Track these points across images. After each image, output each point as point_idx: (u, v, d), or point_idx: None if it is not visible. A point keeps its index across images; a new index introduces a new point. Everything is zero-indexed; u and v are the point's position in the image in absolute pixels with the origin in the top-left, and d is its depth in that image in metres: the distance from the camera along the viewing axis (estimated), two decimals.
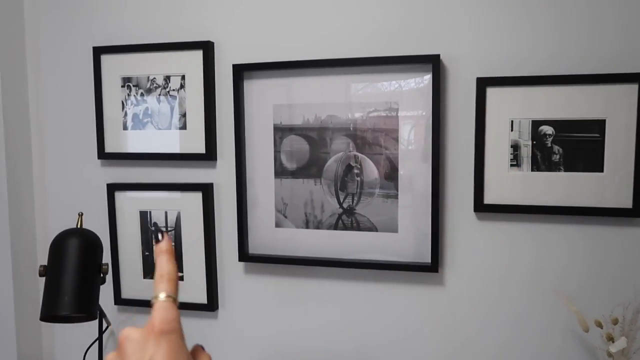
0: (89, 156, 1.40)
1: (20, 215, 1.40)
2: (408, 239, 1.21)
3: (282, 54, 1.24)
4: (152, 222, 1.36)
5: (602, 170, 1.10)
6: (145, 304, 1.37)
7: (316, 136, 1.24)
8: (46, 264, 1.02)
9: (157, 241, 0.47)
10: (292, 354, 1.31)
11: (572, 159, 1.11)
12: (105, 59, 1.35)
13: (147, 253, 1.37)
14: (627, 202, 1.09)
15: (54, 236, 1.09)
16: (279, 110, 1.26)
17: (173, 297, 0.44)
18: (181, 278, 1.35)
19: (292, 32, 1.24)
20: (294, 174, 1.26)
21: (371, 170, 1.22)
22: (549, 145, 1.12)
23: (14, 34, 1.39)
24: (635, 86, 1.06)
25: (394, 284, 1.23)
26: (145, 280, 1.38)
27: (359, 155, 1.22)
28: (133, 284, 1.38)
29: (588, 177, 1.10)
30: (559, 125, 1.11)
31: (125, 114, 1.35)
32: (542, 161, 1.12)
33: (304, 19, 1.23)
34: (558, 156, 1.12)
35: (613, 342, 0.96)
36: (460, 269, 1.19)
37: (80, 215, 1.11)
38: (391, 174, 1.21)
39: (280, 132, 1.26)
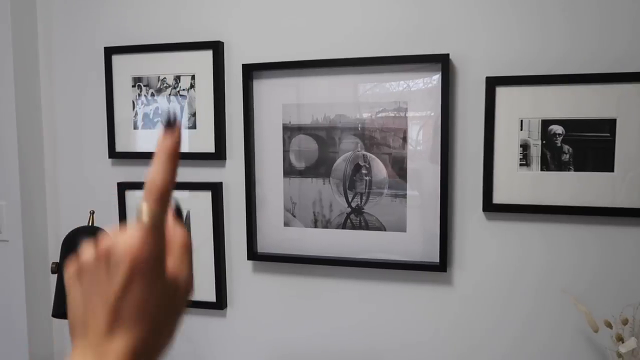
0: (100, 155, 1.41)
1: (32, 213, 1.42)
2: (417, 239, 1.21)
3: (291, 53, 1.25)
4: None
5: (612, 170, 1.09)
6: None
7: (325, 136, 1.25)
8: (58, 261, 1.03)
9: (167, 125, 0.37)
10: (299, 353, 1.31)
11: (582, 158, 1.10)
12: (117, 59, 1.37)
13: None
14: (638, 202, 1.08)
15: (65, 234, 1.10)
16: (288, 110, 1.26)
17: (155, 215, 0.36)
18: None
19: (301, 32, 1.25)
20: (303, 174, 1.27)
21: (380, 170, 1.22)
22: (559, 144, 1.11)
23: (27, 35, 1.41)
24: None
25: (403, 283, 1.23)
26: None
27: (368, 154, 1.22)
28: None
29: (598, 176, 1.10)
30: (569, 124, 1.10)
31: (136, 114, 1.37)
32: (551, 161, 1.12)
33: (313, 20, 1.24)
34: (568, 156, 1.11)
35: (623, 342, 0.95)
36: (469, 269, 1.19)
37: (92, 213, 1.12)
38: (400, 174, 1.21)
39: (289, 131, 1.27)
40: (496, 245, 1.17)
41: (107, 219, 1.37)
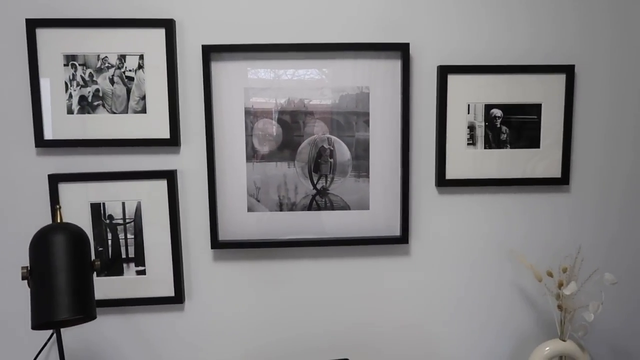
0: (24, 144, 1.22)
1: None
2: (379, 215, 1.29)
3: (253, 35, 1.23)
4: (107, 214, 1.25)
5: (539, 147, 1.30)
6: (104, 304, 1.26)
7: (289, 119, 1.26)
8: (28, 265, 0.89)
9: None
10: (270, 343, 1.32)
11: (516, 137, 1.29)
12: (42, 33, 1.19)
13: (100, 249, 1.25)
14: (556, 172, 1.31)
15: None
16: (251, 94, 1.24)
17: None
18: (143, 272, 1.27)
19: (265, 11, 1.23)
20: (267, 158, 1.26)
21: (343, 152, 1.27)
22: (499, 126, 1.29)
23: None
24: (564, 76, 1.28)
25: (368, 258, 1.31)
26: (98, 278, 1.26)
27: (332, 137, 1.27)
28: None
29: (528, 152, 1.30)
30: (506, 108, 1.28)
31: (70, 96, 1.21)
32: (493, 140, 1.29)
33: (277, 2, 1.23)
34: (505, 135, 1.29)
35: (565, 287, 1.16)
36: (424, 239, 1.32)
37: (58, 208, 0.98)
38: (362, 155, 1.28)
39: (252, 115, 1.25)
40: (447, 216, 1.31)
41: (37, 217, 1.21)
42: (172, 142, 1.23)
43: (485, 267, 1.33)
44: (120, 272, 1.27)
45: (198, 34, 1.23)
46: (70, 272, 0.89)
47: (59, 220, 0.97)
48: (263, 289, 1.31)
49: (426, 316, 1.34)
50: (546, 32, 1.27)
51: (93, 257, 0.97)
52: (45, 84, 1.20)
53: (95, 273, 0.98)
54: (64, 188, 1.23)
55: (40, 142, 1.22)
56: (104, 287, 1.27)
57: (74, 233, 0.94)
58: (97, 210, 1.24)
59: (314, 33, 1.24)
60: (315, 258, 1.31)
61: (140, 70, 1.21)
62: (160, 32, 1.20)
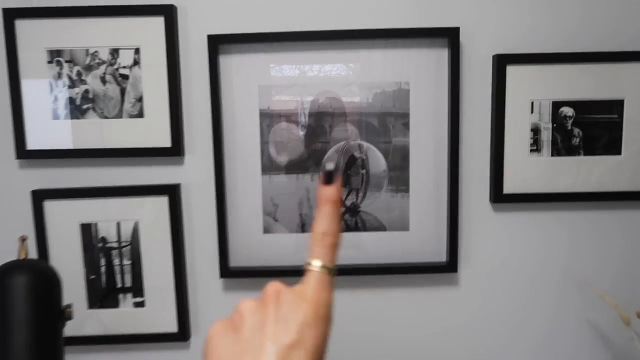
0: (4, 156, 1.05)
1: None
2: (421, 237, 1.07)
3: (268, 23, 1.02)
4: (100, 236, 1.06)
5: (620, 153, 1.05)
6: (95, 341, 1.07)
7: (313, 123, 1.05)
8: None
9: (325, 180, 0.37)
10: None
11: (591, 141, 1.05)
12: (22, 25, 1.01)
13: (92, 277, 1.07)
14: None
15: None
16: (266, 93, 1.04)
17: (329, 269, 0.37)
18: (142, 304, 1.08)
19: None
20: (286, 169, 1.06)
21: (378, 162, 1.06)
22: (569, 127, 1.05)
23: None
24: None
25: (405, 288, 1.09)
26: (90, 311, 1.08)
27: (364, 144, 1.05)
28: (75, 317, 1.07)
29: (606, 160, 1.05)
30: (579, 106, 1.04)
31: (55, 99, 1.03)
32: (562, 145, 1.05)
33: None
34: (578, 139, 1.05)
35: None
36: (478, 267, 1.09)
37: (23, 240, 0.79)
38: (401, 165, 1.06)
39: (268, 119, 1.04)
40: (507, 238, 1.08)
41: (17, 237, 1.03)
42: (174, 151, 1.04)
43: (550, 301, 1.09)
44: (115, 304, 1.08)
45: (204, 23, 1.03)
46: (32, 326, 0.70)
47: (22, 256, 0.78)
48: None
49: (477, 359, 1.11)
50: (631, 11, 1.02)
51: (64, 303, 0.78)
52: (26, 85, 1.03)
53: (66, 323, 0.78)
54: (49, 206, 1.05)
55: (22, 153, 1.04)
56: (95, 321, 1.08)
57: (40, 273, 0.75)
58: (88, 232, 1.06)
59: (344, 19, 1.03)
60: (343, 288, 1.09)
61: (136, 66, 1.02)
62: (159, 21, 1.01)
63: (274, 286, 0.36)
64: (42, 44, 1.02)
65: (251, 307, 0.35)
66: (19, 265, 0.75)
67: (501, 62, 1.02)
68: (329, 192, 0.37)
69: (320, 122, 1.04)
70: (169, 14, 1.01)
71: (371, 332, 1.10)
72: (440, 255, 1.07)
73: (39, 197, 1.05)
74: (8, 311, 0.69)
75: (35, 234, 1.05)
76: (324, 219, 0.37)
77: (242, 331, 0.34)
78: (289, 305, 0.34)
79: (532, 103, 1.04)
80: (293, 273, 1.05)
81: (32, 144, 1.04)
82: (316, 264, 0.36)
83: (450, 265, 1.06)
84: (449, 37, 1.01)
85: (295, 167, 1.06)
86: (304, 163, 1.05)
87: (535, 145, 1.05)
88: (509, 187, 1.06)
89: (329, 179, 0.37)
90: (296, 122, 1.04)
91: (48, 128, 1.04)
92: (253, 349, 0.32)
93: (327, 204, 0.37)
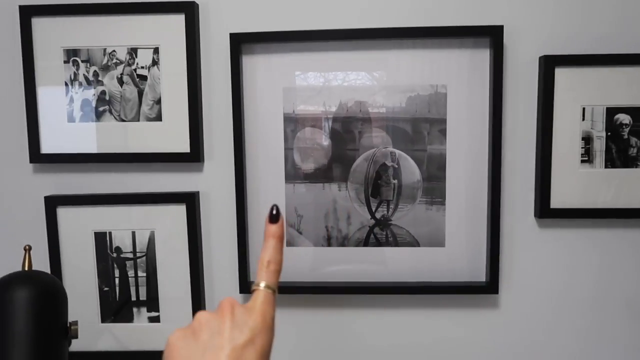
0: (17, 160, 1.01)
1: None
2: (458, 254, 0.98)
3: (294, 21, 0.96)
4: (114, 246, 1.01)
5: None
6: (108, 357, 1.01)
7: (340, 128, 0.97)
8: None
9: (271, 219, 0.45)
10: None
11: None
12: (39, 23, 0.97)
13: (106, 289, 1.01)
14: None
15: None
16: (291, 96, 0.97)
17: (272, 289, 0.44)
18: (157, 318, 1.02)
19: None
20: (312, 178, 0.98)
21: (411, 171, 0.97)
22: (626, 137, 0.95)
23: None
24: None
25: (442, 310, 1.00)
26: (103, 325, 1.02)
27: (397, 152, 0.97)
28: (87, 331, 1.01)
29: None
30: (636, 113, 0.94)
31: (71, 100, 0.98)
32: (617, 156, 0.95)
33: None
34: (635, 150, 0.95)
35: None
36: (520, 287, 0.99)
37: (27, 250, 0.74)
38: (437, 175, 0.97)
39: (293, 123, 0.97)
40: (554, 257, 0.98)
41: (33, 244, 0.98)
42: (193, 157, 0.97)
43: (606, 331, 0.98)
44: (129, 319, 1.02)
45: (226, 21, 0.97)
46: (33, 343, 0.64)
47: (26, 267, 0.72)
48: (305, 345, 1.02)
49: None
50: None
51: (69, 320, 0.72)
52: (42, 86, 0.98)
53: (70, 341, 0.72)
54: (63, 213, 1.00)
55: (36, 157, 0.99)
56: (108, 336, 1.02)
57: (43, 286, 0.69)
58: (102, 240, 1.00)
59: (374, 16, 0.95)
60: (373, 307, 1.01)
61: (155, 67, 0.97)
62: (179, 19, 0.95)
63: (228, 300, 0.42)
64: (59, 43, 0.97)
65: (209, 317, 0.41)
66: (21, 277, 0.69)
67: (549, 64, 0.93)
68: (274, 229, 0.45)
69: (349, 128, 0.97)
70: (190, 12, 0.95)
71: (401, 356, 1.01)
72: (478, 274, 0.98)
73: (52, 203, 1.00)
74: (7, 326, 0.64)
75: (47, 241, 1.00)
76: (270, 250, 0.44)
77: (202, 335, 0.40)
78: (241, 315, 0.41)
79: (584, 109, 0.94)
80: (317, 289, 0.97)
81: (46, 147, 0.99)
82: (262, 285, 0.43)
83: (490, 286, 0.97)
84: (491, 36, 0.92)
85: (321, 175, 0.98)
86: (331, 171, 0.98)
87: (587, 156, 0.95)
88: (556, 202, 0.96)
89: (274, 218, 0.45)
90: (323, 128, 0.97)
91: (63, 131, 0.99)
92: (213, 348, 0.39)
93: (272, 238, 0.45)
